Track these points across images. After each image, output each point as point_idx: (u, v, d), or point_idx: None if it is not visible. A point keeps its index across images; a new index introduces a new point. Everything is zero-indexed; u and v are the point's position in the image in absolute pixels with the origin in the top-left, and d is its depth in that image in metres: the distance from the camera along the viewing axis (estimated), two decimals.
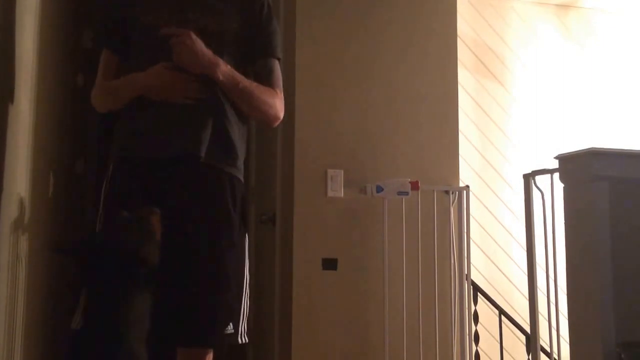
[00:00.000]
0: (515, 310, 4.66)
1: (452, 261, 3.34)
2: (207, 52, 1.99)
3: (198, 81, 2.00)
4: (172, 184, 1.97)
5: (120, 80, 2.10)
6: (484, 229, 4.99)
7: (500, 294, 4.80)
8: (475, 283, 3.89)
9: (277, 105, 2.14)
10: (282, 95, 2.17)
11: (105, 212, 2.02)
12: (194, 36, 1.96)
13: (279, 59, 2.20)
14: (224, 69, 2.01)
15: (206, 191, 2.00)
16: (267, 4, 2.18)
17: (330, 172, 3.24)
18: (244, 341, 2.03)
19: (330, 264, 3.19)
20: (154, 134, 2.00)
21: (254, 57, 2.15)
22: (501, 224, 5.08)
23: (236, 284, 2.01)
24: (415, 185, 3.20)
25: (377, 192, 3.16)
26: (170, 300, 1.89)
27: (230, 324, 1.97)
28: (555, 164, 2.83)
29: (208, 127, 2.00)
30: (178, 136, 1.98)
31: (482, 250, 4.94)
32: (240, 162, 2.09)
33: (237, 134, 2.08)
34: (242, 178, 2.10)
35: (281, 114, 2.17)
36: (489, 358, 4.42)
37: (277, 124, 2.22)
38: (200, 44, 1.97)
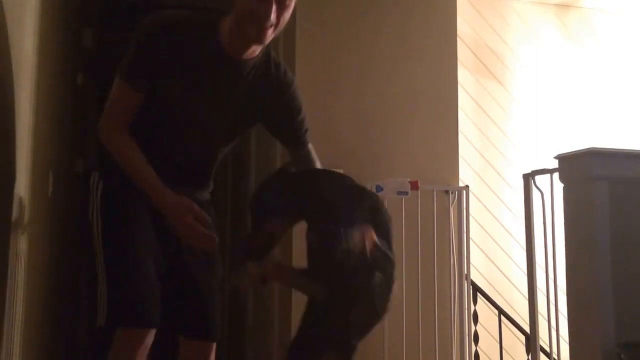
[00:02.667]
0: (515, 310, 4.66)
1: (452, 261, 3.34)
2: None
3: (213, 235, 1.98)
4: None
5: (145, 169, 1.96)
6: (483, 229, 4.98)
7: (499, 294, 4.79)
8: (474, 283, 3.89)
9: None
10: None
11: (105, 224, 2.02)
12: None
13: None
14: None
15: None
16: (294, 87, 2.08)
17: None
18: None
19: None
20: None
21: (290, 146, 2.13)
22: (501, 224, 5.07)
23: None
24: (415, 185, 3.20)
25: (377, 191, 3.16)
26: (186, 301, 2.11)
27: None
28: (555, 164, 2.83)
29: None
30: (177, 187, 1.99)
31: (481, 250, 4.94)
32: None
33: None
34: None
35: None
36: (489, 358, 4.42)
37: None
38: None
